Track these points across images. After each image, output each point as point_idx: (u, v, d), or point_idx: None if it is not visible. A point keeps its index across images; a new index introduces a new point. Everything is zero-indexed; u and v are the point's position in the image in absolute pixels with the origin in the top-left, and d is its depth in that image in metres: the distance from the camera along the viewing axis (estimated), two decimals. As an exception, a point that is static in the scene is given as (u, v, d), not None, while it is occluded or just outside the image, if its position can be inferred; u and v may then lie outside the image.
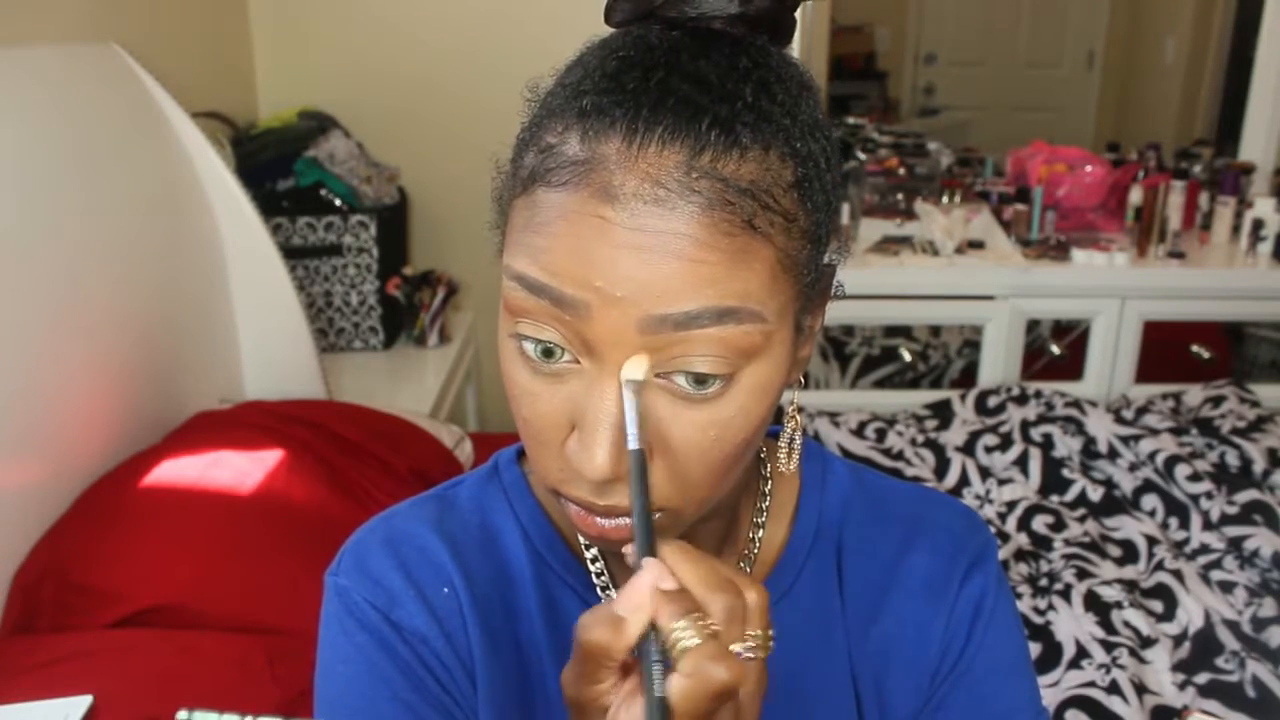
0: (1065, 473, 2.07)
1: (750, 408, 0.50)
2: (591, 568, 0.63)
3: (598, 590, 0.63)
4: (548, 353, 0.50)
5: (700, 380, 0.49)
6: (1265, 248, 2.44)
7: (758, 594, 0.46)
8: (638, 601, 0.44)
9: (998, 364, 2.41)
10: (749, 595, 0.46)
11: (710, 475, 0.52)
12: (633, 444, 0.48)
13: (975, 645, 0.66)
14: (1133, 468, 2.10)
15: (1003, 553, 1.84)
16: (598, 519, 0.52)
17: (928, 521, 0.68)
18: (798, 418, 0.61)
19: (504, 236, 0.53)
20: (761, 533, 0.65)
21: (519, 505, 0.65)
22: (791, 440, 0.61)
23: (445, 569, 0.62)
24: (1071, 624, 1.64)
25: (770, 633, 0.46)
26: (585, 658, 0.44)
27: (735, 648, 0.44)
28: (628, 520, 0.52)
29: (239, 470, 1.48)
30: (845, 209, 2.50)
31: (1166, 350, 2.68)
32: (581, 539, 0.63)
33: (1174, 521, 1.95)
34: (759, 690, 0.46)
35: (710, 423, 0.50)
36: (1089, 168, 2.59)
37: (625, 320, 0.47)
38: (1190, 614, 1.66)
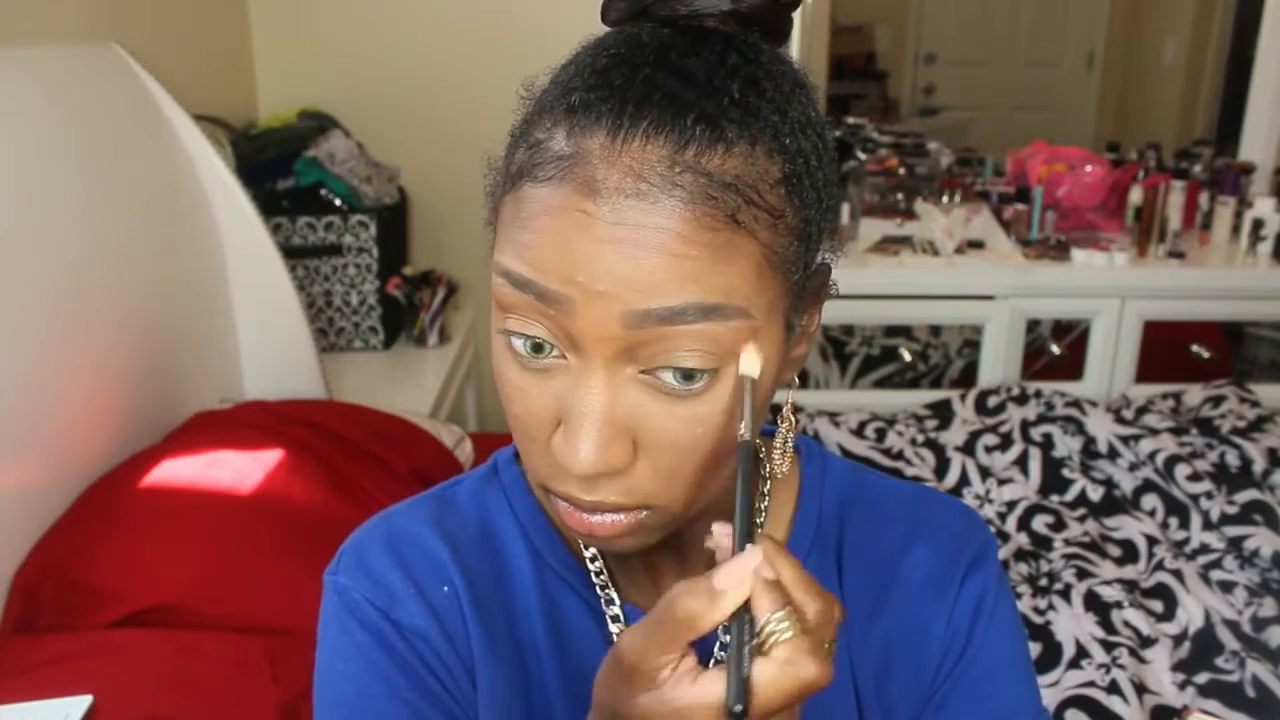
0: (1065, 473, 2.07)
1: (736, 404, 0.50)
2: (590, 567, 0.63)
3: (597, 589, 0.63)
4: (536, 348, 0.50)
5: (686, 376, 0.49)
6: (1265, 248, 2.44)
7: (841, 611, 0.46)
8: (739, 581, 0.44)
9: (998, 364, 2.41)
10: (835, 609, 0.46)
11: (697, 472, 0.52)
12: (745, 434, 0.48)
13: (975, 645, 0.65)
14: (1133, 467, 2.10)
15: (1003, 553, 1.84)
16: (584, 515, 0.52)
17: (928, 521, 0.68)
18: (792, 418, 0.60)
19: (495, 233, 0.53)
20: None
21: (518, 505, 0.65)
22: (785, 441, 0.61)
23: (445, 568, 0.62)
24: (1071, 624, 1.64)
25: (835, 648, 0.47)
26: (668, 624, 0.44)
27: None
28: (615, 516, 0.52)
29: (239, 470, 1.48)
30: (845, 209, 2.50)
31: (1166, 350, 2.68)
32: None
33: (1174, 521, 1.95)
34: (799, 709, 0.46)
35: (696, 419, 0.50)
36: (1089, 168, 2.59)
37: (608, 315, 0.47)
38: (1190, 614, 1.66)
